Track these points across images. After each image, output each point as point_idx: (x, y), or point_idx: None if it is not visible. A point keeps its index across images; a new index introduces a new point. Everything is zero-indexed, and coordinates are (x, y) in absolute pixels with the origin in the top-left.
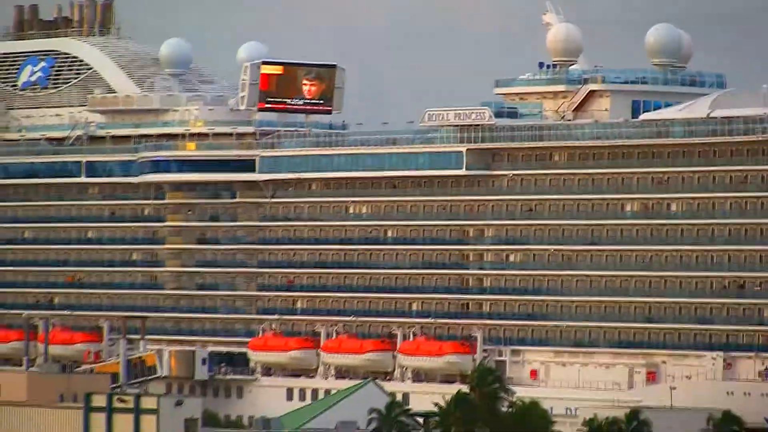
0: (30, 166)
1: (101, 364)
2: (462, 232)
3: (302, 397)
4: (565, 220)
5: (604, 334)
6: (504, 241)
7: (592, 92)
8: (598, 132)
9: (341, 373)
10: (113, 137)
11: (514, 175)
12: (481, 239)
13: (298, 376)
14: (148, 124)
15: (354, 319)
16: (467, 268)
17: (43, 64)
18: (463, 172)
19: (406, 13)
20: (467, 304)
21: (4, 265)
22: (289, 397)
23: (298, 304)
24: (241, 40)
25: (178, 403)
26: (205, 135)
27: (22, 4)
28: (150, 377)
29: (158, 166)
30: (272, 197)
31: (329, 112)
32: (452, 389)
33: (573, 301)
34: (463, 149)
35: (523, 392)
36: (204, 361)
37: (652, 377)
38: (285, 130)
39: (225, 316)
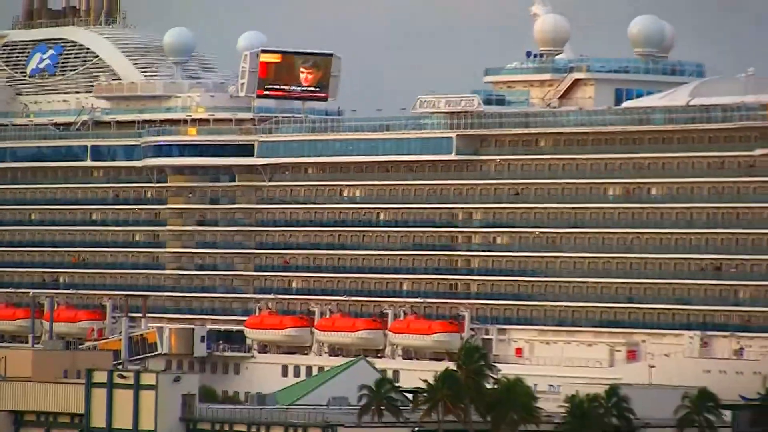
0: (37, 150)
1: (104, 341)
2: (451, 214)
3: (297, 374)
4: (550, 204)
5: (586, 314)
6: (491, 223)
7: (577, 81)
8: (582, 119)
9: (334, 350)
10: (118, 122)
11: (501, 160)
12: (469, 222)
13: (293, 353)
14: (152, 110)
15: (347, 298)
16: (456, 250)
17: (51, 51)
18: (452, 157)
19: (402, 5)
20: (456, 284)
21: (12, 245)
22: (284, 373)
23: (294, 284)
24: (242, 30)
25: (176, 380)
26: (206, 121)
27: None
28: (151, 354)
29: (161, 150)
30: (270, 181)
31: (325, 99)
32: (441, 366)
33: (557, 282)
34: (453, 135)
35: (508, 369)
36: (203, 339)
37: (632, 355)
38: (283, 116)
39: (223, 295)
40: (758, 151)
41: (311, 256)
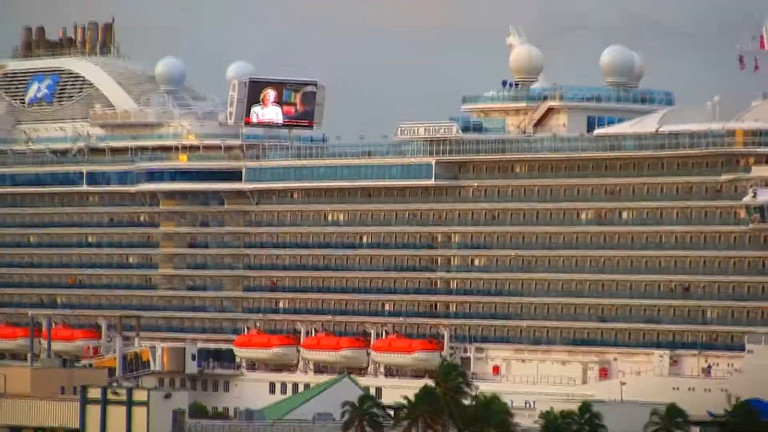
0: (36, 176)
1: (99, 359)
2: (431, 237)
3: (284, 391)
4: (526, 227)
5: (560, 333)
6: (469, 246)
7: (551, 108)
8: (556, 145)
9: (319, 368)
10: (112, 149)
11: (479, 185)
12: (448, 244)
13: (280, 370)
14: (144, 137)
15: (331, 318)
16: (435, 271)
17: (48, 81)
18: (432, 182)
19: (383, 36)
20: (435, 304)
21: (11, 266)
22: (272, 390)
23: (281, 304)
24: (230, 60)
25: (167, 396)
26: (197, 147)
27: (30, 26)
28: (144, 371)
29: (153, 175)
30: (257, 205)
31: (311, 127)
32: (421, 383)
33: (532, 302)
34: (433, 161)
35: (486, 386)
36: (194, 357)
37: (604, 373)
38: (269, 143)
39: (213, 315)
40: (724, 177)
41: (297, 278)
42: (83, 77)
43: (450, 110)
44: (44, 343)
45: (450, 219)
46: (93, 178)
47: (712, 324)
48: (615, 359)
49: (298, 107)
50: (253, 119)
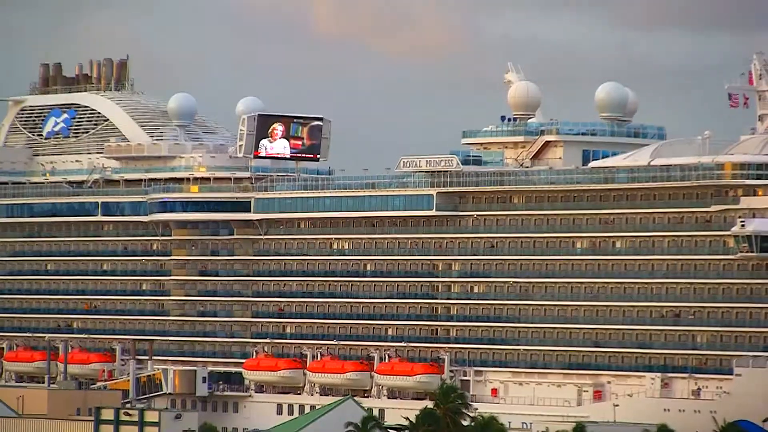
0: (53, 206)
1: (114, 381)
2: (432, 265)
3: (290, 412)
4: (523, 256)
5: (556, 357)
6: (469, 274)
7: (547, 142)
8: (552, 178)
9: (325, 390)
10: (126, 181)
11: (478, 215)
12: (448, 272)
13: (287, 393)
14: (157, 169)
15: (336, 342)
16: (436, 298)
17: (65, 115)
18: (433, 212)
19: (386, 74)
20: (436, 329)
21: (30, 293)
22: (279, 411)
23: (288, 330)
24: (240, 96)
25: (177, 417)
26: (207, 179)
27: (48, 63)
28: (156, 393)
29: (165, 206)
30: (265, 234)
31: (317, 160)
32: (422, 405)
33: (529, 327)
34: (434, 192)
35: (485, 408)
36: (204, 380)
37: (598, 395)
38: (277, 175)
39: (223, 339)
40: (714, 208)
41: (304, 304)
42: (99, 112)
43: (450, 144)
44: (61, 366)
45: (450, 248)
46: (108, 209)
47: (701, 348)
48: (609, 382)
49: (305, 141)
50: (262, 152)
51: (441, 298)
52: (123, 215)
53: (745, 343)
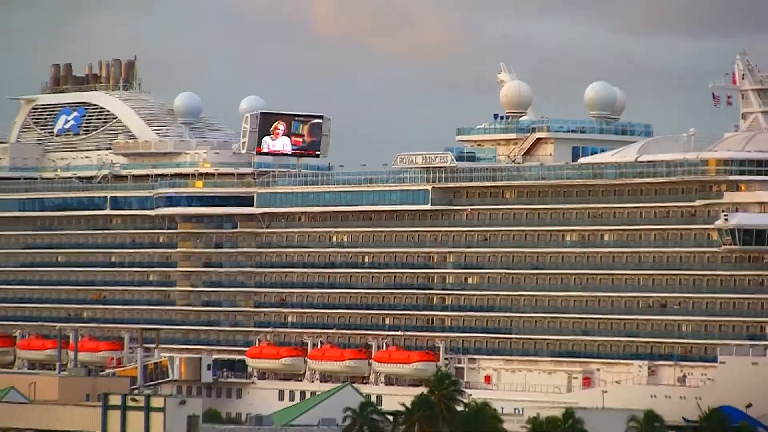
0: (63, 201)
1: (122, 368)
2: (428, 257)
3: (292, 398)
4: (515, 248)
5: (547, 345)
6: (463, 265)
7: (538, 139)
8: (543, 173)
9: (325, 377)
10: (134, 176)
11: (472, 209)
12: (443, 264)
13: (289, 379)
14: (164, 165)
15: (336, 331)
16: (432, 289)
17: (75, 113)
18: (428, 207)
19: (384, 74)
20: (432, 319)
21: (42, 284)
22: (281, 397)
23: (289, 319)
24: (243, 94)
25: (182, 403)
26: (212, 174)
27: (59, 63)
28: (163, 380)
29: (171, 200)
30: (267, 228)
31: (317, 156)
32: (419, 392)
33: (521, 317)
34: (429, 187)
35: (478, 394)
36: (209, 367)
37: (587, 382)
38: (279, 171)
39: (227, 328)
40: (698, 202)
41: (304, 294)
42: (107, 110)
43: (445, 141)
44: (71, 354)
45: (445, 241)
46: (116, 203)
47: (687, 337)
48: (597, 369)
49: (305, 138)
50: (264, 149)
51: (436, 289)
52: (131, 209)
53: (728, 332)
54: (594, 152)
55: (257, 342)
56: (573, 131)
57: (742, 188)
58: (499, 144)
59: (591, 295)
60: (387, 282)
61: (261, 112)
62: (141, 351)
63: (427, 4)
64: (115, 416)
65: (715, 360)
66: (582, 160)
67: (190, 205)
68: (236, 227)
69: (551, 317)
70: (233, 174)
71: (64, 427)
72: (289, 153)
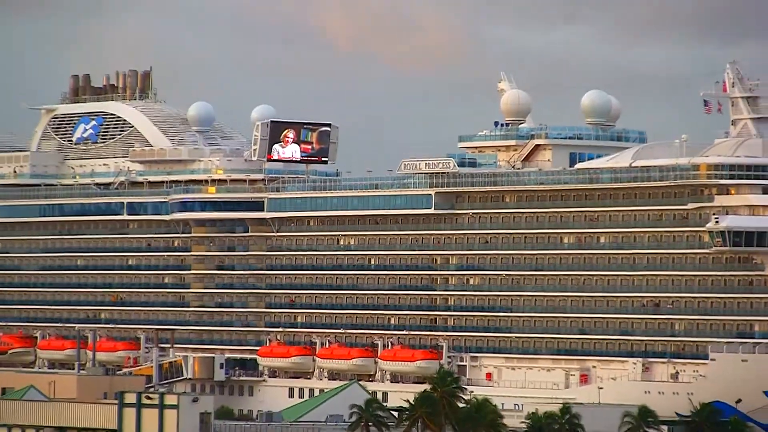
0: (82, 206)
1: (138, 367)
2: (431, 260)
3: (301, 395)
4: (515, 250)
5: (545, 344)
6: (465, 267)
7: (537, 146)
8: (541, 178)
9: (333, 375)
10: (149, 182)
11: (473, 213)
12: (446, 266)
13: (298, 377)
14: (178, 172)
15: (343, 331)
16: (435, 290)
17: (93, 122)
18: (432, 211)
19: (389, 83)
20: (435, 319)
21: (61, 287)
22: (291, 394)
23: (299, 319)
24: (255, 103)
25: (195, 400)
26: (224, 181)
27: (78, 74)
28: (177, 379)
29: (186, 206)
30: (278, 231)
31: (325, 162)
32: (423, 389)
33: (520, 317)
34: (432, 192)
35: (480, 391)
36: (221, 366)
37: (584, 379)
38: (289, 177)
39: (239, 328)
40: (690, 205)
41: (313, 295)
42: (124, 119)
43: (448, 148)
44: (90, 354)
45: (448, 243)
46: (132, 208)
47: (679, 335)
48: (594, 366)
49: (314, 145)
50: (275, 156)
51: (439, 290)
52: (146, 214)
53: (719, 330)
54: (590, 158)
55: (268, 341)
56: (570, 138)
57: (732, 192)
58: (499, 150)
59: (587, 295)
60: (392, 283)
61: (271, 121)
62: (156, 351)
63: (432, 16)
64: (130, 414)
65: (706, 357)
66: (579, 165)
67: (203, 210)
68: (248, 231)
69: (550, 317)
70: (245, 180)
71: (81, 424)
72: (299, 160)
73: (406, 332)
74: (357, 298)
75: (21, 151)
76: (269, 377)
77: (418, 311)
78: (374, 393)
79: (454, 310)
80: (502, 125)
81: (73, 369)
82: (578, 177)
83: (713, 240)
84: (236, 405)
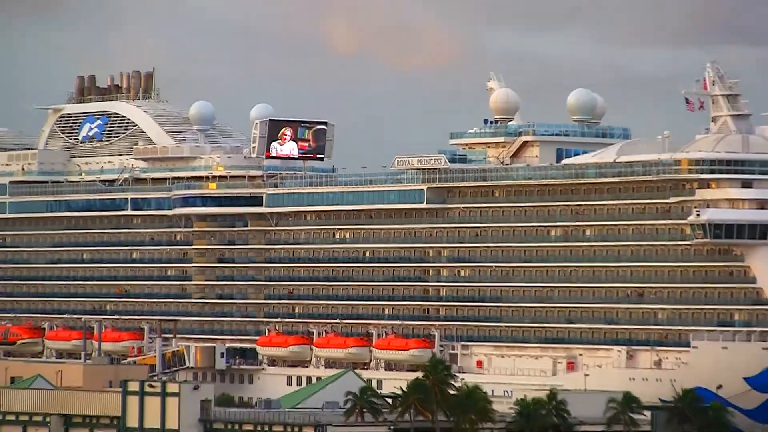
0: (88, 202)
1: (142, 357)
2: (423, 252)
3: (299, 383)
4: (504, 243)
5: (534, 332)
6: (456, 259)
7: (525, 142)
8: (529, 173)
9: (329, 363)
10: (153, 179)
11: (464, 207)
12: (438, 258)
13: (296, 366)
14: (180, 169)
15: (339, 321)
16: (427, 281)
17: (99, 121)
18: (424, 205)
19: (383, 83)
20: (427, 309)
21: (68, 279)
22: (289, 382)
23: (296, 310)
24: (253, 102)
25: (195, 388)
26: (224, 177)
27: (83, 75)
28: (180, 367)
29: (187, 201)
30: (276, 226)
31: (321, 159)
32: (416, 376)
33: (510, 307)
34: (425, 187)
35: (471, 378)
36: (222, 355)
37: (571, 366)
38: (286, 173)
39: (239, 319)
40: (672, 199)
41: (310, 287)
42: (128, 118)
43: (439, 144)
44: (96, 344)
45: (439, 237)
46: (136, 204)
47: (662, 324)
48: (580, 354)
49: (311, 143)
50: (273, 153)
51: (431, 281)
52: (150, 210)
53: (701, 319)
54: (576, 154)
55: (267, 331)
56: (557, 135)
57: (713, 186)
58: (488, 147)
59: (574, 285)
60: (386, 275)
61: (270, 119)
62: (160, 341)
63: (426, 22)
64: (133, 401)
65: (688, 345)
66: (565, 161)
67: (204, 206)
68: (247, 225)
69: (538, 306)
70: (244, 176)
71: (86, 411)
72: (296, 157)
73: (400, 322)
74: (352, 289)
75: (29, 149)
76: (268, 366)
77: (411, 302)
78: (369, 380)
79: (446, 301)
80: (491, 122)
81: (80, 358)
82: (564, 172)
83: (694, 232)
84: (236, 392)
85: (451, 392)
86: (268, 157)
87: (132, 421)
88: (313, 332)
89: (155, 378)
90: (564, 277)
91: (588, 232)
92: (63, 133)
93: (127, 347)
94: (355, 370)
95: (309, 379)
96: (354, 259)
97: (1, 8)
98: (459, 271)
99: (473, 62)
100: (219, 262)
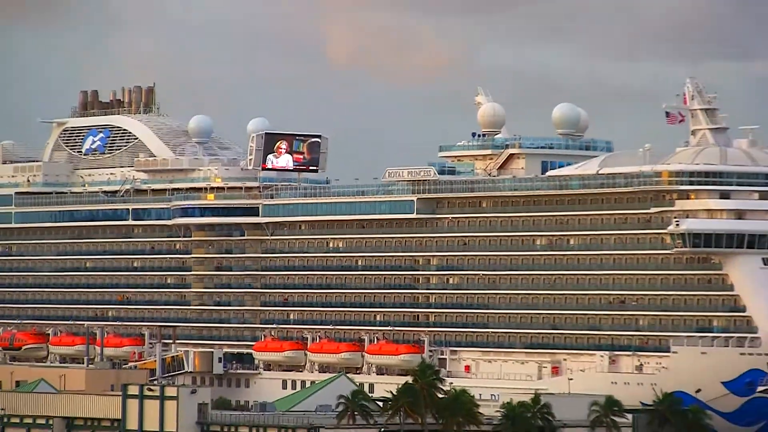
0: (91, 212)
1: (143, 362)
2: (413, 261)
3: (294, 387)
4: (491, 252)
5: (519, 338)
6: (445, 268)
7: (511, 155)
8: (515, 185)
9: (323, 368)
10: (153, 190)
11: (452, 217)
12: (427, 266)
13: (291, 370)
14: (179, 180)
15: (333, 327)
16: (417, 289)
17: (101, 135)
18: (414, 215)
19: (376, 96)
20: (417, 315)
21: (72, 287)
22: (284, 386)
23: (291, 316)
24: (250, 116)
25: (193, 392)
26: (222, 188)
27: (86, 90)
28: (179, 372)
29: (186, 211)
30: (272, 235)
31: (316, 171)
32: (405, 380)
33: (496, 313)
34: (415, 198)
35: (459, 382)
36: (220, 360)
37: (555, 371)
38: (282, 185)
39: (236, 325)
40: (653, 210)
41: (305, 294)
42: (130, 132)
43: (429, 157)
44: (98, 349)
45: (429, 246)
46: (137, 214)
47: (643, 330)
48: (564, 359)
49: (305, 155)
50: (269, 165)
51: (421, 289)
52: (150, 220)
53: (680, 326)
54: (561, 166)
55: (263, 337)
56: (542, 147)
57: (692, 197)
58: (476, 159)
59: (558, 293)
60: (377, 283)
61: (266, 133)
62: (160, 346)
63: (418, 36)
64: (133, 404)
65: (668, 350)
66: (550, 173)
67: (203, 216)
68: (244, 235)
69: (523, 313)
70: (241, 188)
71: (88, 414)
72: (291, 169)
73: (391, 328)
74: (345, 296)
75: (34, 161)
76: (264, 370)
77: (401, 308)
78: (361, 384)
79: (435, 308)
80: (479, 136)
81: (83, 363)
82: (549, 184)
83: (674, 242)
84: (233, 396)
85: (440, 396)
86: (264, 169)
87: (132, 424)
88: (307, 338)
89: (155, 382)
90: (549, 284)
91: (572, 242)
92: (67, 146)
93: (128, 352)
94: (348, 375)
95: (303, 383)
96: (347, 268)
97: (6, 21)
98: (448, 279)
99: (462, 75)
100: (217, 270)
